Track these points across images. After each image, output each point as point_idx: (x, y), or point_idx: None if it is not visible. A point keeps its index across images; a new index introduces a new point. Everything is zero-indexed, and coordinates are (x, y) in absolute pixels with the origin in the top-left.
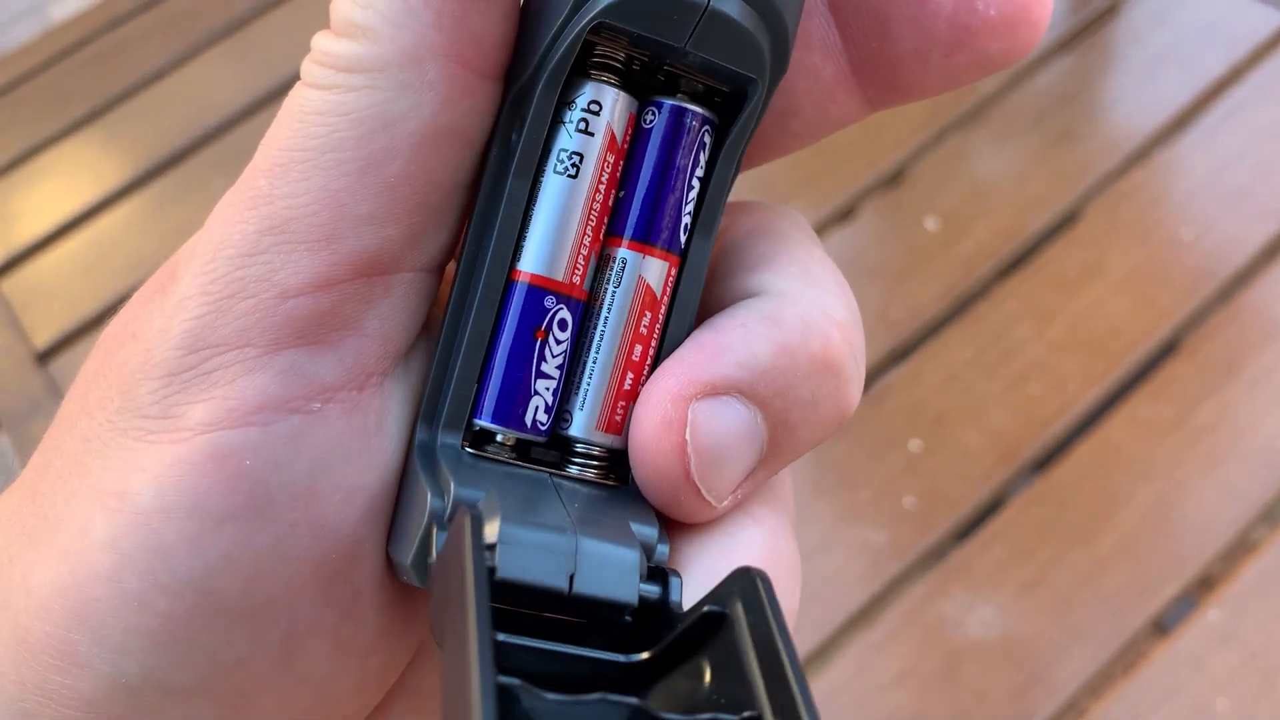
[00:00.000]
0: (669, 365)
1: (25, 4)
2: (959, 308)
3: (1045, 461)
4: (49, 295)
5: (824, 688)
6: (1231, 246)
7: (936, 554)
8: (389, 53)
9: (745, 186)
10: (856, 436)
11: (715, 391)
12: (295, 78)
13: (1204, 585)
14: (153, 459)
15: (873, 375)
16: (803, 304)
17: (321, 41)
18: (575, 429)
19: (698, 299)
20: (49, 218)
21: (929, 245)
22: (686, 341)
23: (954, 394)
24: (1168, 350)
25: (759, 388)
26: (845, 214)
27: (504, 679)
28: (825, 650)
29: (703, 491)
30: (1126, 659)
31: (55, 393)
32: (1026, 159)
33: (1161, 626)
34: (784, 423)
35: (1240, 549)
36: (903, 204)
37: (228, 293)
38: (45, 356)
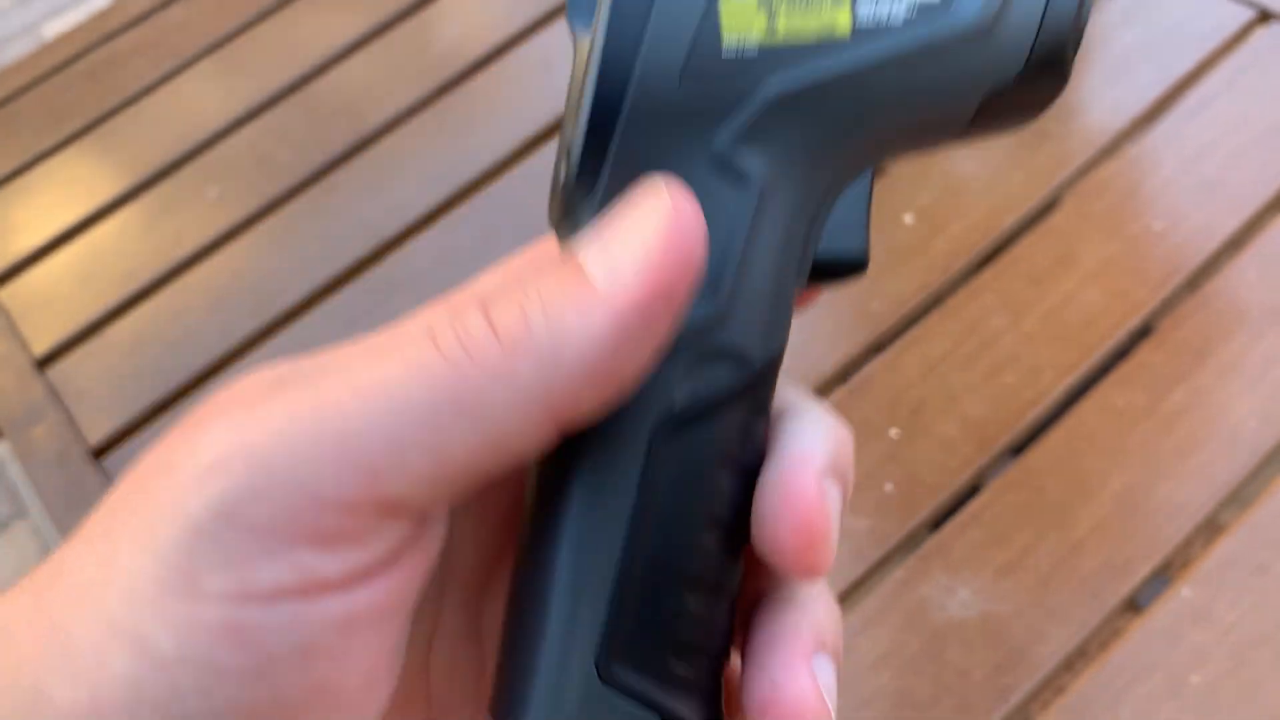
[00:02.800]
0: (793, 466)
1: (19, 24)
2: (936, 301)
3: (1021, 448)
4: (47, 304)
5: None
6: (1201, 236)
7: (916, 539)
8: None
9: None
10: None
11: (825, 476)
12: (284, 88)
13: (1177, 565)
14: (174, 614)
15: (853, 367)
16: (813, 409)
17: (471, 317)
18: None
19: None
20: (46, 229)
21: (907, 241)
22: (786, 452)
23: (932, 384)
24: (1140, 338)
25: (837, 467)
26: None
27: None
28: None
29: (832, 551)
30: (1102, 637)
31: (54, 398)
32: (1001, 156)
33: (1136, 605)
34: (845, 488)
35: (1211, 529)
36: (882, 200)
37: (267, 482)
38: (44, 363)
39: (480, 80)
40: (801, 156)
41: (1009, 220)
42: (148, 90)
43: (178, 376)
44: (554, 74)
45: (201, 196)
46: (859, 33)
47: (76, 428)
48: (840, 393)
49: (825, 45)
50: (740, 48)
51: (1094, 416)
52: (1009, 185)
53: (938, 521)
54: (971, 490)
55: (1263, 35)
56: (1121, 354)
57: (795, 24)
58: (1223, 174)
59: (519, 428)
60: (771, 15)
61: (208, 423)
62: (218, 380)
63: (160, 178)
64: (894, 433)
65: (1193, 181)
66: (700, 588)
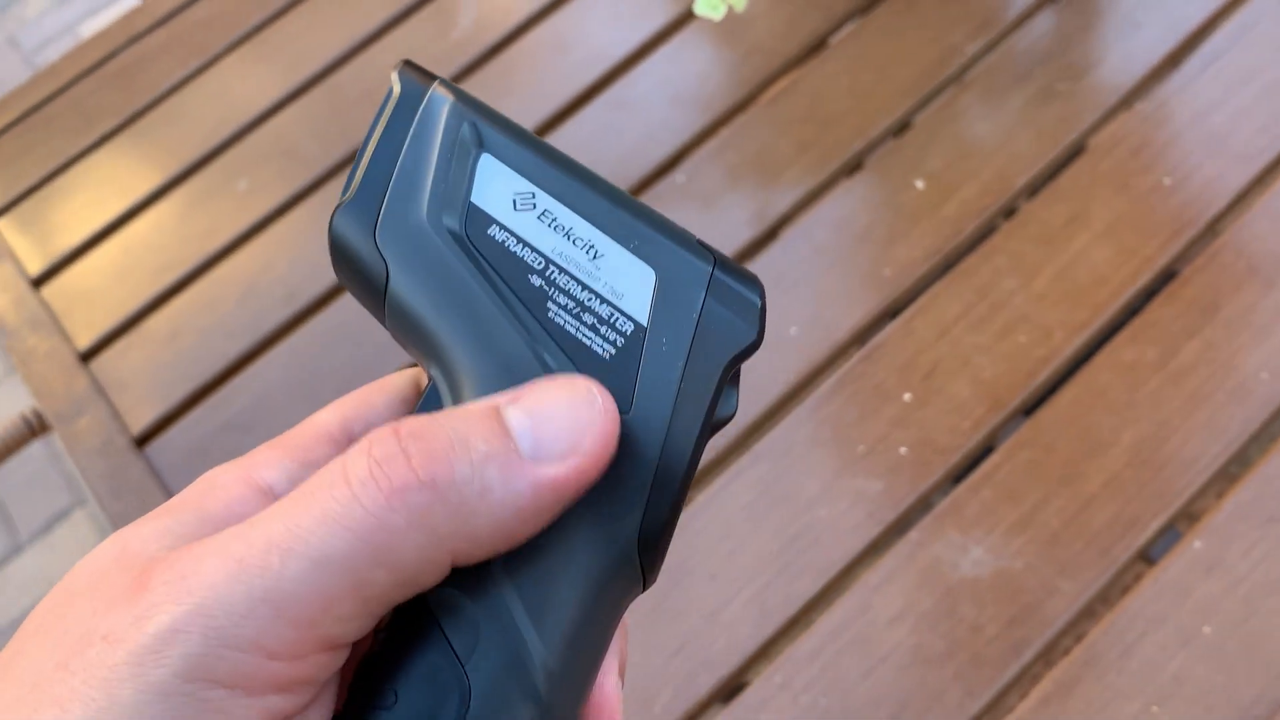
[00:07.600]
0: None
1: (58, 26)
2: (948, 265)
3: (1033, 408)
4: (87, 299)
5: (827, 627)
6: (1212, 190)
7: (930, 500)
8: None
9: (745, 160)
10: (851, 393)
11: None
12: (308, 80)
13: (1188, 518)
14: None
15: (866, 332)
16: None
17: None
18: None
19: None
20: (83, 227)
21: (918, 206)
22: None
23: (944, 347)
24: (1151, 295)
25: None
26: (852, 169)
27: None
28: (828, 593)
29: None
30: (1114, 591)
31: (98, 390)
32: (1010, 116)
33: (1148, 558)
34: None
35: (1222, 482)
36: (893, 167)
37: (221, 644)
38: (87, 357)
39: (498, 64)
40: None
41: (1019, 181)
42: (176, 88)
43: (213, 366)
44: (569, 56)
45: (232, 189)
46: None
47: (120, 418)
48: (855, 357)
49: None
50: None
51: (1105, 374)
52: (1019, 145)
53: (951, 482)
54: (984, 451)
55: None
56: (1132, 311)
57: None
58: (1232, 127)
59: (426, 568)
60: None
61: (140, 590)
62: (251, 368)
63: (191, 173)
64: (908, 396)
65: (1203, 135)
66: None
